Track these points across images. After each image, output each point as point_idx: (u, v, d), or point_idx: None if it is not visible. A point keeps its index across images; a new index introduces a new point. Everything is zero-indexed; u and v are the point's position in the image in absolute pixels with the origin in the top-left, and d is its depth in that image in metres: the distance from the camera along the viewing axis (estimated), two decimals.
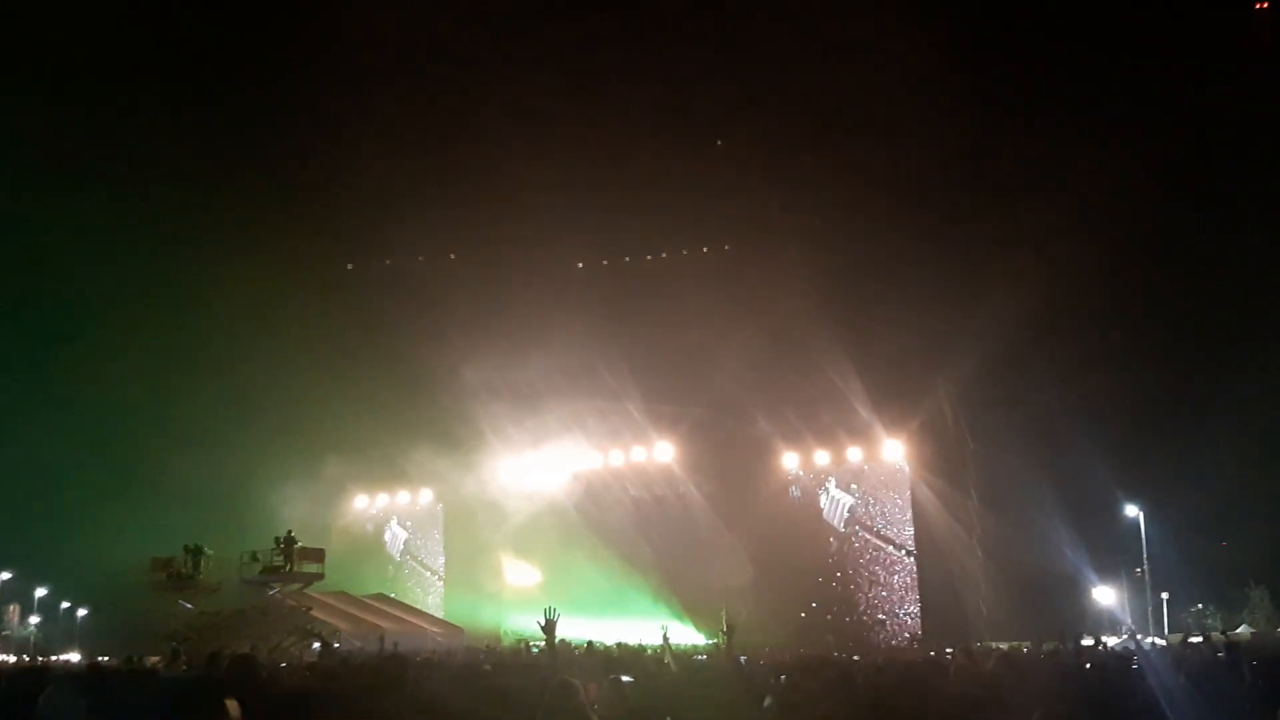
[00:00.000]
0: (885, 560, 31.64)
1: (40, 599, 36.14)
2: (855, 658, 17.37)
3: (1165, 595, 28.98)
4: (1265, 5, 21.37)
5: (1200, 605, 29.57)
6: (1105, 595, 28.89)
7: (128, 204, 32.78)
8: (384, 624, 28.50)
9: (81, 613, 36.24)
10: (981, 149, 24.94)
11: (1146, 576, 28.97)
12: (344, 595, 32.29)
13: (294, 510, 32.64)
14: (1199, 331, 26.67)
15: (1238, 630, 25.60)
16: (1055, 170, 24.26)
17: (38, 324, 34.37)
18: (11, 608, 35.52)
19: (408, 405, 32.26)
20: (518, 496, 34.71)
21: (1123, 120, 23.67)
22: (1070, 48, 25.89)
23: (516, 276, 30.90)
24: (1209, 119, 24.92)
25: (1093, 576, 28.80)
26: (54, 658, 26.13)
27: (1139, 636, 25.52)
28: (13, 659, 24.72)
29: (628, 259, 31.06)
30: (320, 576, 29.20)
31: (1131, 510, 28.90)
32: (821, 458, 32.10)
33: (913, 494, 31.13)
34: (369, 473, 35.85)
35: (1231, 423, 26.11)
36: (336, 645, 22.65)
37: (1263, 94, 23.95)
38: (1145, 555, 28.88)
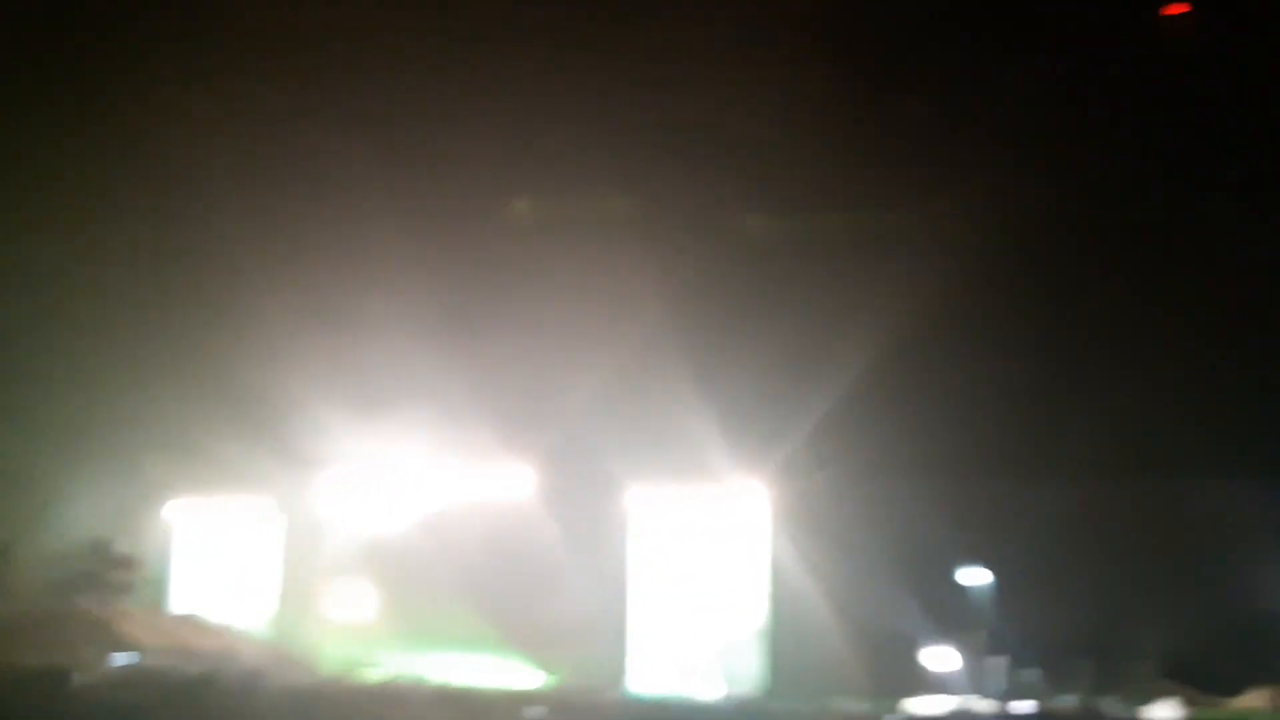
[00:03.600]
0: (732, 603, 31.32)
1: None
2: None
3: (1000, 661, 29.28)
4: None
5: (1032, 672, 29.95)
6: (943, 656, 29.17)
7: None
8: (198, 642, 27.09)
9: None
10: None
11: (983, 642, 29.35)
12: (157, 609, 30.57)
13: (109, 513, 30.73)
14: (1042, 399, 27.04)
15: (1066, 700, 26.15)
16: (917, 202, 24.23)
17: None
18: None
19: (245, 406, 30.38)
20: (360, 515, 33.31)
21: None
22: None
23: (358, 284, 29.27)
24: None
25: (932, 637, 29.09)
26: None
27: (973, 700, 25.86)
28: None
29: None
30: (133, 587, 27.60)
31: (972, 573, 29.23)
32: (674, 496, 31.67)
33: (765, 537, 30.92)
34: (198, 476, 33.48)
35: (1071, 491, 26.69)
36: (143, 662, 21.37)
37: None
38: (984, 619, 29.24)
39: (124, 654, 21.93)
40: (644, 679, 30.23)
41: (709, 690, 28.47)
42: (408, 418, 30.25)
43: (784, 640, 29.83)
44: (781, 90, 23.37)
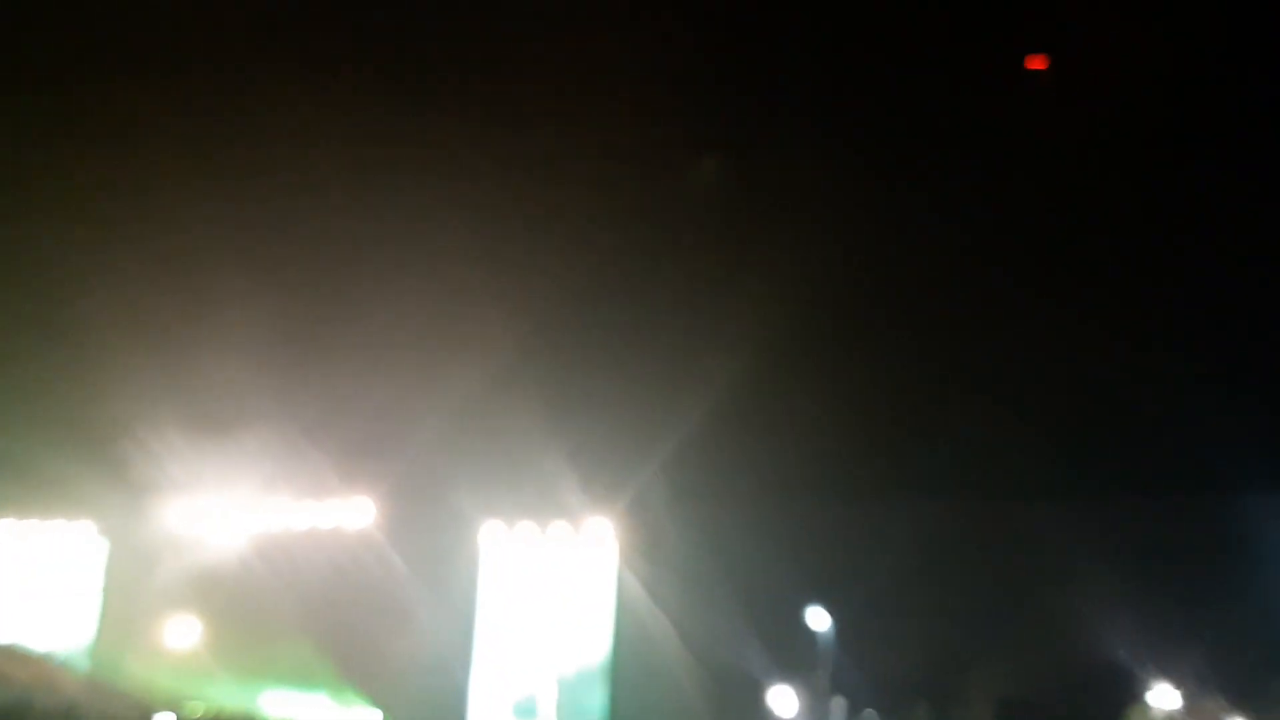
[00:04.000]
0: (577, 641, 30.89)
1: None
2: None
3: (841, 701, 29.36)
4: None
5: (870, 713, 30.07)
6: (783, 700, 29.18)
7: None
8: (13, 671, 25.93)
9: None
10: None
11: (824, 681, 29.43)
12: None
13: None
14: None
15: None
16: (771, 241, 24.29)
17: None
18: None
19: (68, 424, 29.10)
20: (193, 543, 32.13)
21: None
22: None
23: (196, 300, 28.25)
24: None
25: (774, 677, 29.11)
26: None
27: None
28: None
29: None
30: None
31: (815, 613, 29.35)
32: (525, 532, 31.23)
33: (612, 575, 30.63)
34: (17, 496, 31.91)
35: (915, 535, 26.99)
36: None
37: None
38: (825, 660, 29.35)
39: None
40: (485, 717, 29.69)
41: None
42: (247, 442, 29.45)
43: (628, 679, 29.50)
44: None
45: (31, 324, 27.20)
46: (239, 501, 31.71)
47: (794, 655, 29.26)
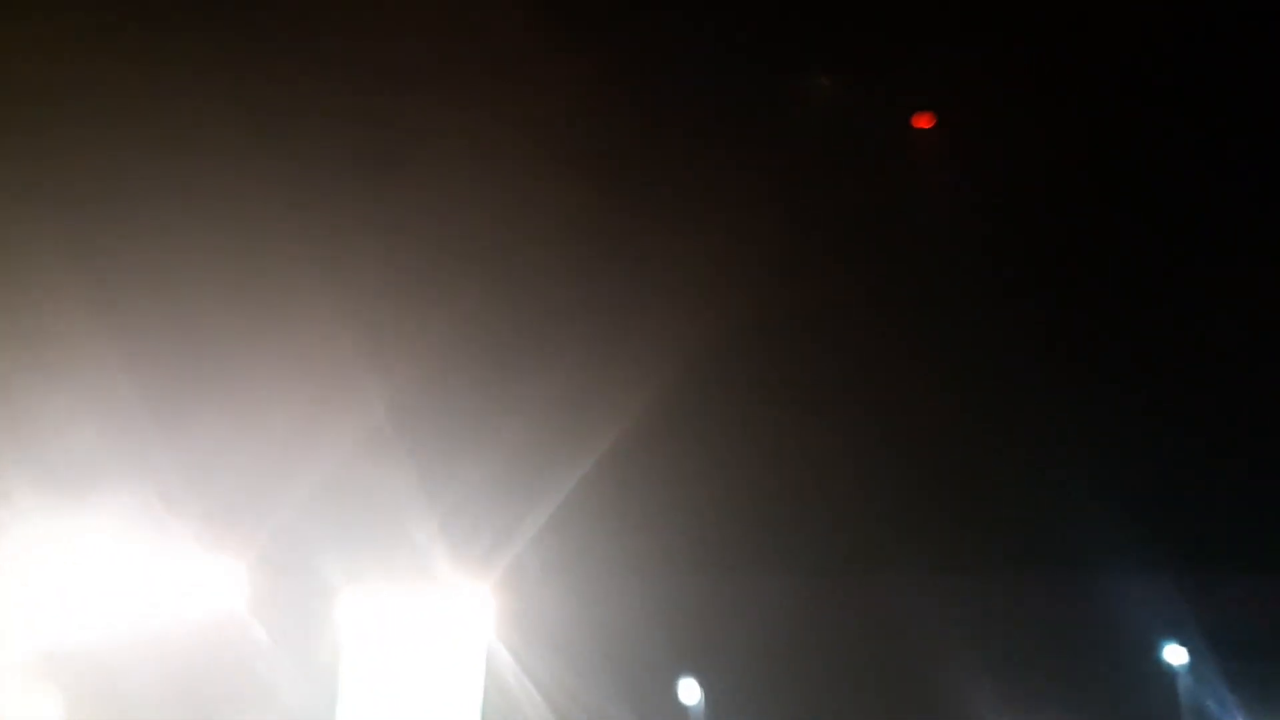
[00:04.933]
0: (436, 713, 30.07)
1: None
2: None
3: None
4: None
5: None
6: None
7: None
8: None
9: None
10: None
11: None
12: None
13: None
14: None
15: None
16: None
17: None
18: None
19: None
20: (43, 609, 30.58)
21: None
22: None
23: (43, 342, 26.85)
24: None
25: None
26: None
27: None
28: None
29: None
30: None
31: (686, 686, 29.16)
32: (393, 601, 30.40)
33: (483, 643, 30.03)
34: None
35: (789, 606, 26.92)
36: None
37: None
38: None
39: None
40: None
41: None
42: (101, 504, 28.19)
43: None
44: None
45: None
46: (93, 565, 30.35)
47: None
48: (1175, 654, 26.55)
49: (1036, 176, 23.14)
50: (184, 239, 23.48)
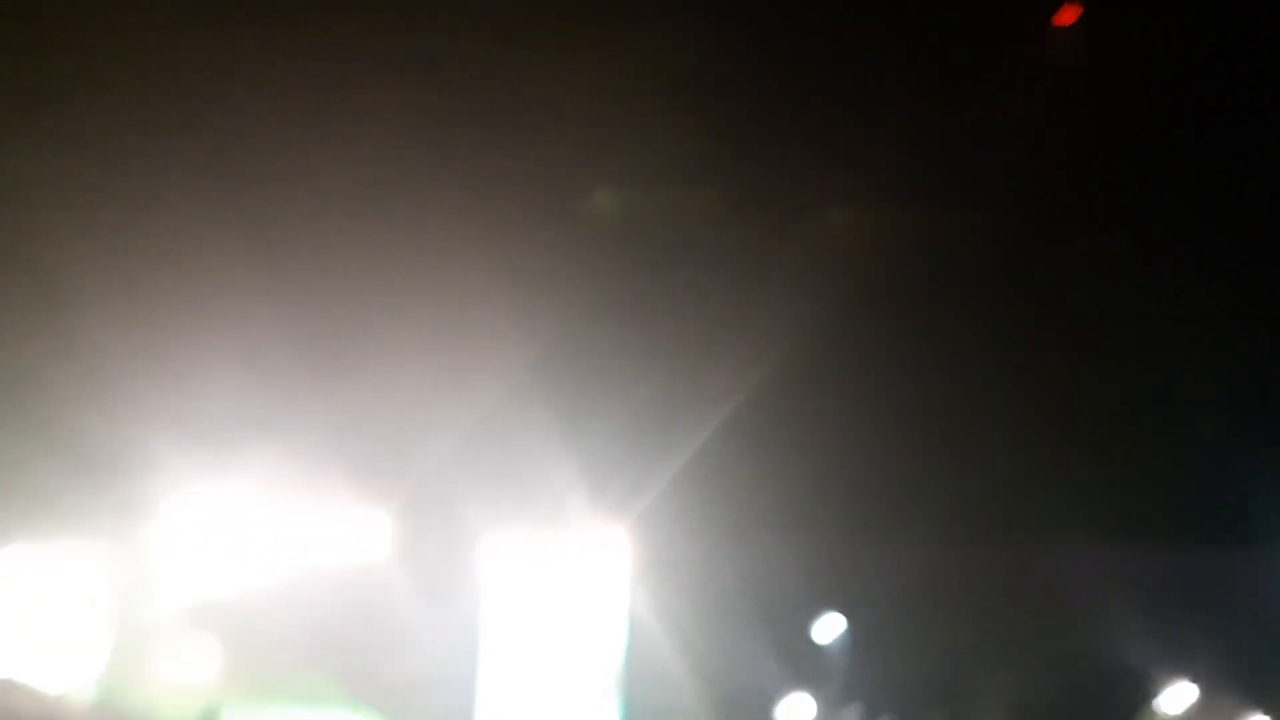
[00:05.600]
0: (586, 654, 30.70)
1: None
2: None
3: (854, 711, 29.28)
4: None
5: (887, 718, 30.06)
6: (797, 710, 29.08)
7: None
8: (20, 706, 25.52)
9: None
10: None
11: (838, 691, 29.34)
12: None
13: None
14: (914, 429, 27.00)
15: None
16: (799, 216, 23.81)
17: None
18: None
19: (73, 444, 28.58)
20: (201, 563, 31.82)
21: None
22: None
23: (203, 313, 27.69)
24: None
25: (788, 686, 29.02)
26: None
27: None
28: None
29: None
30: None
31: (827, 621, 29.27)
32: (531, 544, 30.99)
33: (621, 586, 30.44)
34: (19, 520, 31.36)
35: (933, 531, 26.86)
36: None
37: None
38: (838, 670, 29.26)
39: None
40: None
41: None
42: (253, 460, 29.09)
43: (638, 692, 29.37)
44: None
45: (31, 336, 26.78)
46: (245, 519, 31.44)
47: (806, 665, 29.20)
48: None
49: None
50: (339, 207, 24.17)
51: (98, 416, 27.14)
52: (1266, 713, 28.67)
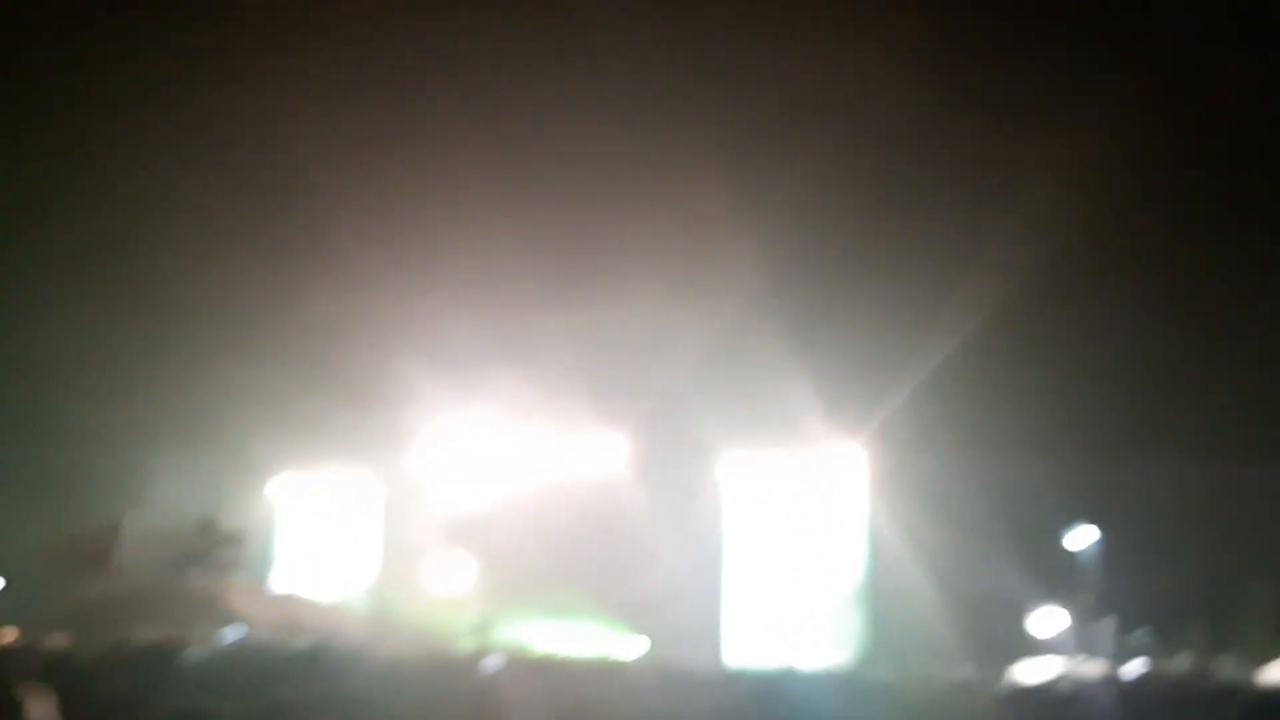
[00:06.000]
0: (829, 570, 30.93)
1: None
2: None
3: (1110, 622, 28.49)
4: None
5: (1143, 632, 29.14)
6: (1050, 620, 28.51)
7: None
8: (304, 616, 27.45)
9: None
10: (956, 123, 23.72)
11: (1091, 602, 28.59)
12: (264, 585, 31.07)
13: (214, 490, 31.24)
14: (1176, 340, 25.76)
15: (1178, 661, 25.41)
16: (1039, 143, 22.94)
17: None
18: None
19: (342, 379, 30.35)
20: (457, 485, 33.48)
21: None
22: None
23: (440, 224, 28.55)
24: None
25: (1038, 600, 28.45)
26: None
27: (1082, 662, 25.18)
28: None
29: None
30: (240, 563, 28.03)
31: (1080, 532, 28.44)
32: (769, 461, 31.29)
33: (863, 502, 30.47)
34: (299, 448, 33.52)
35: (1191, 445, 25.80)
36: (251, 637, 21.70)
37: None
38: (1092, 580, 28.50)
39: (233, 629, 22.31)
40: (740, 647, 30.13)
41: (807, 659, 28.22)
42: (502, 386, 30.25)
43: (883, 607, 29.42)
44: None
45: (303, 287, 28.56)
46: (499, 442, 32.83)
47: (1058, 576, 28.52)
48: None
49: None
50: (579, 132, 24.80)
51: (360, 351, 28.91)
52: None
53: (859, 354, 27.15)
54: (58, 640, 15.79)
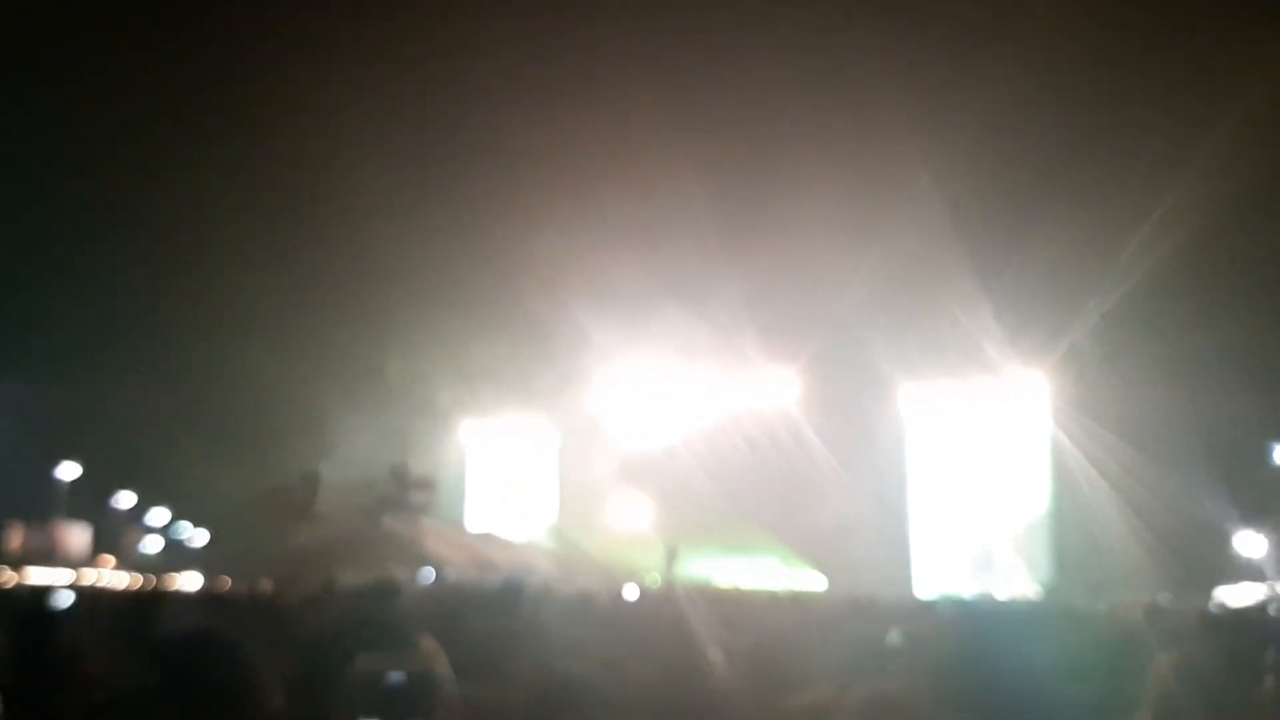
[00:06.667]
0: (1016, 498, 30.28)
1: (160, 524, 36.71)
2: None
3: None
4: None
5: None
6: (1251, 544, 27.32)
7: None
8: (495, 555, 28.31)
9: (201, 537, 36.77)
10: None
11: None
12: (455, 526, 32.12)
13: (407, 438, 32.48)
14: None
15: None
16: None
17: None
18: (132, 530, 36.11)
19: (514, 321, 31.00)
20: (630, 427, 33.99)
21: None
22: None
23: (611, 166, 28.68)
24: None
25: (1239, 524, 27.26)
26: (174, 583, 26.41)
27: None
28: (131, 582, 24.94)
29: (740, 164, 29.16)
30: (432, 506, 28.98)
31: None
32: (949, 392, 30.71)
33: (1048, 432, 29.70)
34: (481, 396, 34.63)
35: None
36: (447, 576, 22.50)
37: None
38: None
39: (429, 569, 23.16)
40: (926, 579, 29.84)
41: (998, 589, 27.70)
42: (676, 325, 30.39)
43: (1073, 534, 28.64)
44: None
45: (483, 243, 29.26)
46: (675, 382, 33.15)
47: (1262, 496, 27.24)
48: None
49: None
50: (748, 74, 24.63)
51: (537, 298, 29.48)
52: None
53: (1041, 281, 26.23)
54: (266, 586, 16.71)
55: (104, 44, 27.28)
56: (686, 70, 25.58)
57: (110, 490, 34.79)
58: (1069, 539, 29.12)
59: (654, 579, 26.80)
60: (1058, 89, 23.47)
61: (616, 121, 25.52)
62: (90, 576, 24.21)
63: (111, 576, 25.86)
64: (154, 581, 22.69)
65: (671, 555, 27.73)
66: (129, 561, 33.63)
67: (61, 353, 31.11)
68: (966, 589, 27.28)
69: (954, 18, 22.50)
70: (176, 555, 35.43)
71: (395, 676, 4.94)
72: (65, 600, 8.94)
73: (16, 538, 32.41)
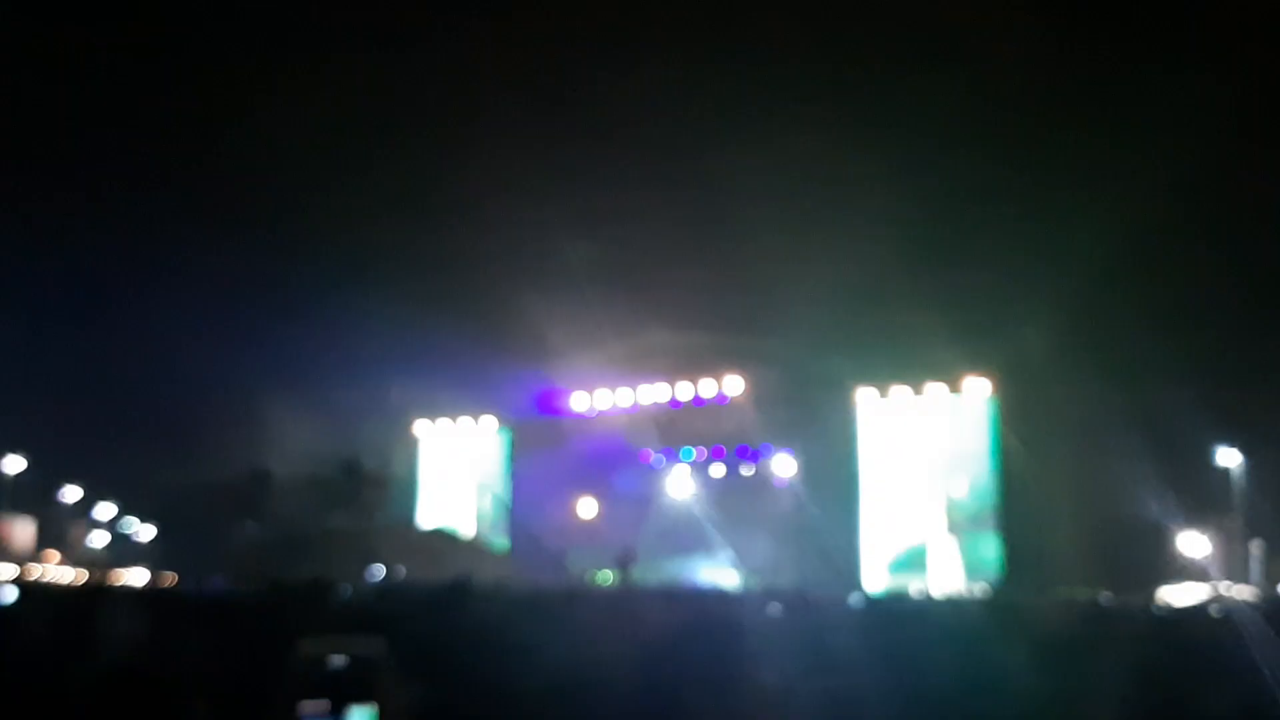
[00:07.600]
0: (963, 499, 30.54)
1: (107, 519, 36.22)
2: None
3: (1257, 545, 27.55)
4: None
5: None
6: (1194, 544, 27.66)
7: None
8: (448, 555, 28.19)
9: (148, 532, 36.31)
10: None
11: (1238, 525, 27.67)
12: (408, 527, 31.92)
13: (360, 434, 32.18)
14: None
15: None
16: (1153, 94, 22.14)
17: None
18: (78, 524, 35.63)
19: (469, 320, 30.92)
20: (582, 427, 33.91)
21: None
22: None
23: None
24: None
25: (1180, 524, 27.61)
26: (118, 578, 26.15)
27: (1226, 587, 24.39)
28: (76, 577, 24.68)
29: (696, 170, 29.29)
30: (383, 505, 28.83)
31: (1226, 455, 27.46)
32: (899, 395, 30.90)
33: (995, 434, 29.98)
34: (434, 394, 34.45)
35: None
36: (396, 574, 22.41)
37: None
38: (1238, 502, 27.56)
39: (379, 566, 23.06)
40: (876, 577, 30.00)
41: (945, 587, 28.00)
42: (631, 327, 30.47)
43: (1019, 534, 28.96)
44: None
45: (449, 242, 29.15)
46: (624, 381, 33.09)
47: (1205, 497, 27.60)
48: None
49: None
50: None
51: (494, 300, 29.51)
52: None
53: (989, 288, 26.63)
54: (214, 584, 16.59)
55: None
56: (645, 76, 25.67)
57: (56, 484, 34.32)
58: (1014, 539, 29.44)
59: (605, 578, 26.84)
60: (1005, 101, 23.80)
61: (575, 125, 25.60)
62: (35, 571, 23.92)
63: (57, 571, 25.56)
64: (100, 576, 22.48)
65: (625, 555, 27.77)
66: (75, 556, 33.24)
67: (5, 345, 30.71)
68: (913, 587, 27.53)
69: (903, 35, 22.80)
70: (124, 550, 35.06)
71: (337, 660, 5.05)
72: (9, 596, 8.86)
73: None
